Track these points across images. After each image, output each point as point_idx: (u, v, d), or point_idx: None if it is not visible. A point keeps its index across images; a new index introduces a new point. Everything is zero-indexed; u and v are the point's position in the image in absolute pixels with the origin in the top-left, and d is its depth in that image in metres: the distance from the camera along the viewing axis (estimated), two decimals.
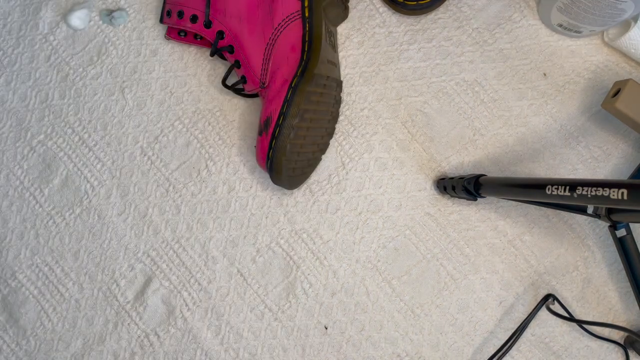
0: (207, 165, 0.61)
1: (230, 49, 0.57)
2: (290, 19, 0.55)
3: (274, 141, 0.53)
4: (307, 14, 0.56)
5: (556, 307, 0.59)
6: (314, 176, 0.61)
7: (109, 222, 0.61)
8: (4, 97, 0.63)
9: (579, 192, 0.37)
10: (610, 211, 0.46)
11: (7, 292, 0.61)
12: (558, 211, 0.60)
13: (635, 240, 0.52)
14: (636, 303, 0.58)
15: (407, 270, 0.60)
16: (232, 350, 0.60)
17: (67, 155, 0.62)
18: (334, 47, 0.59)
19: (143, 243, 0.61)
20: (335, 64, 0.58)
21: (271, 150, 0.53)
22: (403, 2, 0.59)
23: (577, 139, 0.60)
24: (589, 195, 0.36)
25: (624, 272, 0.59)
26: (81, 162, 0.62)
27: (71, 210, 0.62)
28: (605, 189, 0.34)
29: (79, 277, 0.61)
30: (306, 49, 0.55)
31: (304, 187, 0.61)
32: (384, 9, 0.62)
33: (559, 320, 0.59)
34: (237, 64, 0.57)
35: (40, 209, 0.62)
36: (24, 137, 0.63)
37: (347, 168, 0.61)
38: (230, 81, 0.62)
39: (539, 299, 0.59)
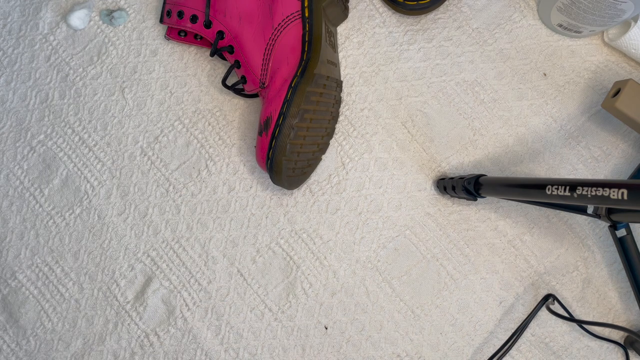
0: (207, 165, 0.61)
1: (230, 49, 0.57)
2: (290, 19, 0.55)
3: (274, 141, 0.53)
4: (307, 14, 0.56)
5: (556, 307, 0.59)
6: (314, 176, 0.61)
7: (109, 222, 0.61)
8: (4, 97, 0.63)
9: (579, 192, 0.37)
10: (610, 211, 0.46)
11: (7, 292, 0.61)
12: (558, 211, 0.60)
13: (635, 240, 0.52)
14: (636, 303, 0.58)
15: (407, 271, 0.60)
16: (232, 350, 0.60)
17: (67, 155, 0.62)
18: (334, 47, 0.59)
19: (143, 243, 0.61)
20: (335, 64, 0.58)
21: (271, 150, 0.53)
22: (403, 2, 0.59)
23: (577, 139, 0.60)
24: (589, 195, 0.36)
25: (624, 272, 0.59)
26: (81, 162, 0.62)
27: (71, 210, 0.62)
28: (605, 189, 0.34)
29: (79, 277, 0.61)
30: (306, 49, 0.55)
31: (304, 187, 0.61)
32: (384, 9, 0.62)
33: (559, 320, 0.59)
34: (237, 64, 0.57)
35: (40, 209, 0.62)
36: (24, 137, 0.63)
37: (347, 168, 0.61)
38: (230, 81, 0.62)
39: (539, 299, 0.59)
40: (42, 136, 0.62)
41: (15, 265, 0.61)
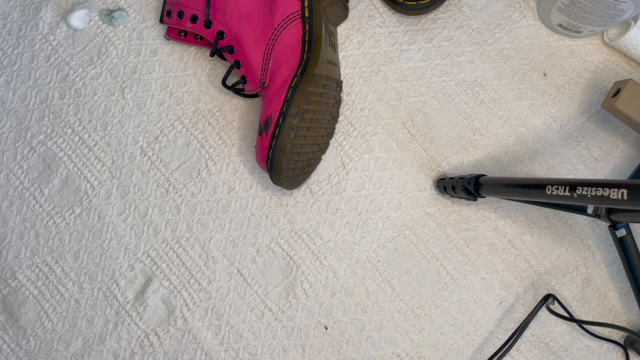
0: (207, 165, 0.61)
1: (230, 49, 0.57)
2: (290, 19, 0.55)
3: (273, 141, 0.53)
4: (307, 14, 0.56)
5: (556, 307, 0.59)
6: (314, 176, 0.61)
7: (109, 222, 0.61)
8: (4, 97, 0.63)
9: (579, 192, 0.37)
10: (610, 211, 0.46)
11: (7, 292, 0.61)
12: (558, 211, 0.60)
13: (635, 240, 0.52)
14: (636, 303, 0.58)
15: (407, 271, 0.60)
16: (232, 350, 0.60)
17: (67, 155, 0.62)
18: (334, 47, 0.59)
19: (143, 243, 0.61)
20: (335, 64, 0.58)
21: (271, 150, 0.53)
22: (403, 2, 0.59)
23: (577, 139, 0.60)
24: (589, 195, 0.36)
25: (624, 272, 0.59)
26: (81, 162, 0.62)
27: (71, 210, 0.62)
28: (605, 189, 0.34)
29: (79, 277, 0.61)
30: (306, 49, 0.55)
31: (304, 187, 0.61)
32: (384, 9, 0.62)
33: (559, 320, 0.59)
34: (237, 64, 0.57)
35: (40, 209, 0.62)
36: (24, 137, 0.63)
37: (347, 168, 0.61)
38: (230, 81, 0.62)
39: (539, 299, 0.59)
40: (42, 136, 0.62)
41: (15, 265, 0.61)
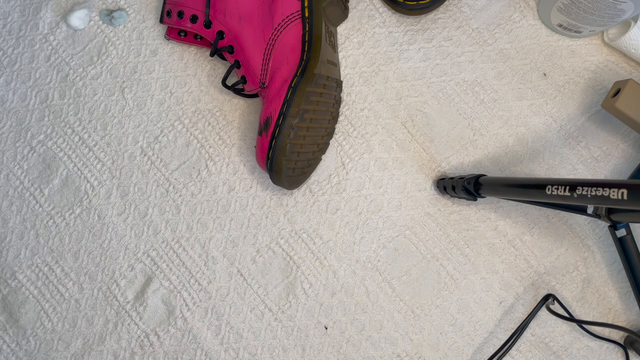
0: (207, 165, 0.61)
1: (230, 49, 0.57)
2: (290, 19, 0.55)
3: (273, 141, 0.53)
4: (307, 14, 0.56)
5: (556, 307, 0.59)
6: (314, 176, 0.61)
7: (109, 222, 0.61)
8: (4, 97, 0.63)
9: (579, 192, 0.37)
10: (610, 211, 0.46)
11: (7, 292, 0.61)
12: (558, 211, 0.60)
13: (635, 240, 0.52)
14: (636, 303, 0.58)
15: (407, 271, 0.60)
16: (232, 350, 0.60)
17: (67, 155, 0.62)
18: (334, 47, 0.59)
19: (143, 243, 0.61)
20: (335, 64, 0.58)
21: (271, 150, 0.53)
22: (403, 2, 0.60)
23: (577, 139, 0.60)
24: (589, 195, 0.36)
25: (624, 272, 0.59)
26: (81, 162, 0.62)
27: (71, 210, 0.62)
28: (605, 189, 0.35)
29: (79, 277, 0.61)
30: (306, 49, 0.55)
31: (304, 187, 0.61)
32: (384, 9, 0.62)
33: (559, 320, 0.59)
34: (237, 64, 0.57)
35: (40, 209, 0.62)
36: (24, 137, 0.63)
37: (347, 168, 0.61)
38: (230, 81, 0.62)
39: (539, 299, 0.59)
40: (42, 136, 0.62)
41: (15, 265, 0.61)
